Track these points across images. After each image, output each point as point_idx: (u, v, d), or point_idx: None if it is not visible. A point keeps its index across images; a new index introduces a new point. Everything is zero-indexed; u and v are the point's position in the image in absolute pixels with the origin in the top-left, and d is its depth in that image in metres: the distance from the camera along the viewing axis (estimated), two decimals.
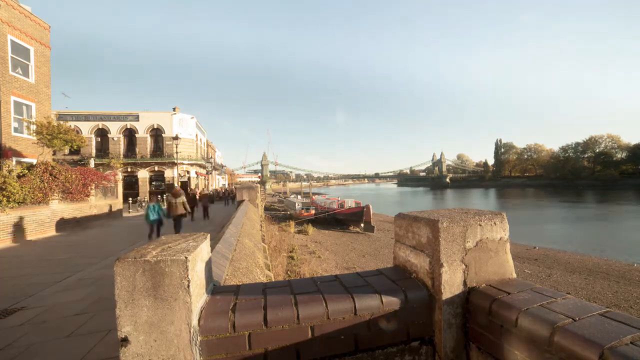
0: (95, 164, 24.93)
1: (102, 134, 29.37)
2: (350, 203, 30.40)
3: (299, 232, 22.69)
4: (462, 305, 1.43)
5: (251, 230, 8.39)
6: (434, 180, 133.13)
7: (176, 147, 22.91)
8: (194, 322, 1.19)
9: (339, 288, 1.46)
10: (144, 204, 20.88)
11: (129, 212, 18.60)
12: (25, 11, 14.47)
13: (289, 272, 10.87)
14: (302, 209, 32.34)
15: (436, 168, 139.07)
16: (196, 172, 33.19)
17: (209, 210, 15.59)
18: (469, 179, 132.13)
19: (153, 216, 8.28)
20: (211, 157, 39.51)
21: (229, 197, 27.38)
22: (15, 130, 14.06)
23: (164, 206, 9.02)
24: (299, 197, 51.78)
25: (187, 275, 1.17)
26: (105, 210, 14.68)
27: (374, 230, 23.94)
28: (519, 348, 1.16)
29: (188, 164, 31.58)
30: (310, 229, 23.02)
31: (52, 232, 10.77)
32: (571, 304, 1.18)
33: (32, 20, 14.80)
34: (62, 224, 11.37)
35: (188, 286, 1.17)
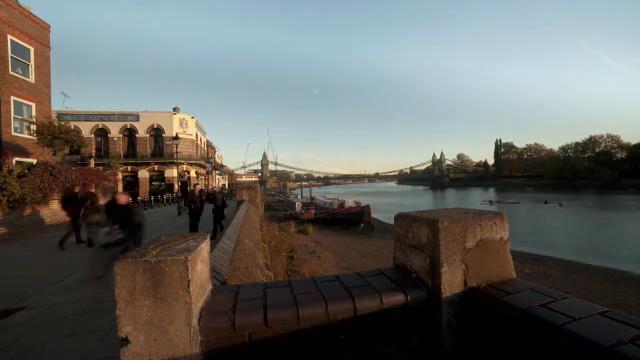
0: (95, 163, 24.91)
1: (102, 134, 29.34)
2: (350, 203, 30.42)
3: (299, 232, 22.68)
4: (462, 305, 1.42)
5: (251, 230, 8.39)
6: (434, 179, 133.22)
7: (176, 147, 22.88)
8: (194, 322, 1.18)
9: (339, 288, 1.46)
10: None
11: None
12: (25, 11, 14.46)
13: (289, 272, 10.85)
14: (302, 208, 32.37)
15: (436, 168, 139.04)
16: (196, 172, 33.20)
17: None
18: (469, 178, 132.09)
19: None
20: (211, 157, 39.45)
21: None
22: (15, 130, 14.06)
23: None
24: (299, 197, 51.96)
25: (187, 275, 1.17)
26: None
27: (374, 230, 23.96)
28: (520, 348, 1.16)
29: (188, 164, 31.58)
30: (310, 228, 23.03)
31: (52, 232, 10.75)
32: (571, 303, 1.18)
33: (32, 20, 14.79)
34: (63, 224, 11.36)
35: (188, 286, 1.17)
